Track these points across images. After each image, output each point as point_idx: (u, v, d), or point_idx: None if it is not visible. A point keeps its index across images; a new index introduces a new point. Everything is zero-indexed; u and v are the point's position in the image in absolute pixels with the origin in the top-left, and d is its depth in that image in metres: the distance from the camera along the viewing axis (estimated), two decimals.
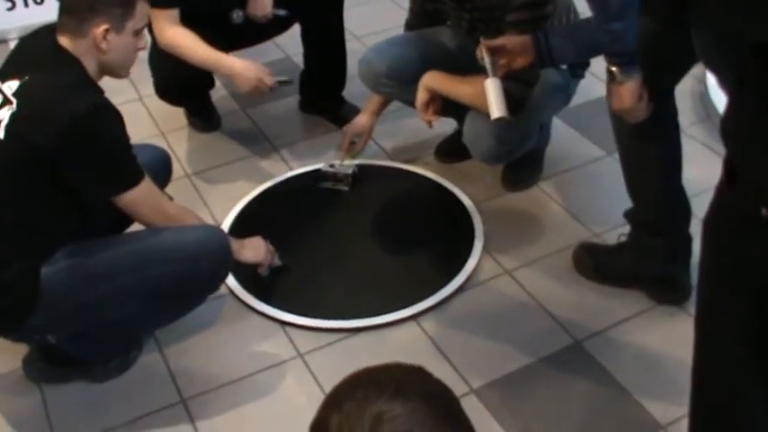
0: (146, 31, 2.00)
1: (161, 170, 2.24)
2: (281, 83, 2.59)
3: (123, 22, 1.87)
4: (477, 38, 2.31)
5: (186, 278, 1.92)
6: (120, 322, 1.94)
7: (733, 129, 1.25)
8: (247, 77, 2.50)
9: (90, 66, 1.87)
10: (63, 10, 1.87)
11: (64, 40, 1.86)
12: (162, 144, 2.93)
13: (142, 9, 1.92)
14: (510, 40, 1.97)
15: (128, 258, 1.89)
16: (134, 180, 1.86)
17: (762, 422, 1.41)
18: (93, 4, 1.83)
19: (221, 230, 2.00)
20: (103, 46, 1.85)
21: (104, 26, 1.84)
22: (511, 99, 2.15)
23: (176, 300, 1.98)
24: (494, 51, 1.95)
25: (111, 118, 1.82)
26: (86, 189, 1.85)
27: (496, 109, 1.90)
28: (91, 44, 1.85)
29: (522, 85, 2.15)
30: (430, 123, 2.43)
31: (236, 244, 2.16)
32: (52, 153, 1.76)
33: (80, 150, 1.78)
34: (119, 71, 1.96)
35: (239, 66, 2.50)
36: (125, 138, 1.86)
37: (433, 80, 2.31)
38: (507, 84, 2.13)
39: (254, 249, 2.21)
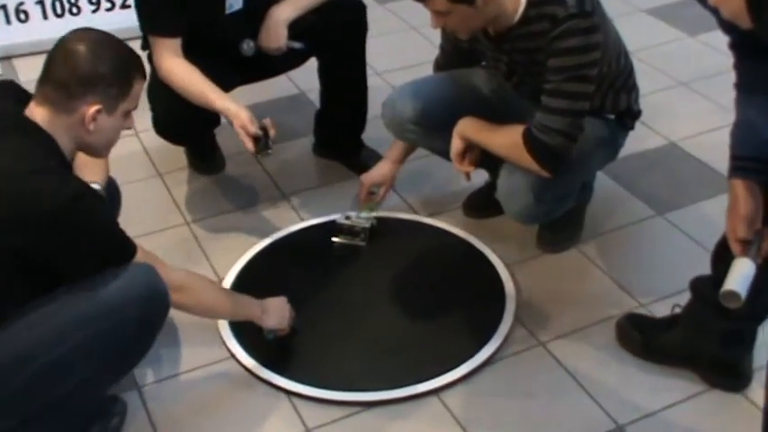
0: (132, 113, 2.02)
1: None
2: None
3: (116, 103, 1.89)
4: (516, 82, 2.38)
5: (117, 333, 1.91)
6: (64, 397, 1.93)
7: None
8: (233, 123, 2.48)
9: (65, 144, 1.88)
10: (48, 80, 1.86)
11: (38, 112, 1.85)
12: (159, 186, 3.00)
13: (137, 90, 1.95)
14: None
15: (46, 334, 1.87)
16: (127, 257, 1.92)
17: None
18: (89, 80, 1.84)
19: (145, 267, 1.95)
20: (91, 127, 1.87)
21: (96, 106, 1.85)
22: (550, 153, 2.21)
23: (116, 357, 1.98)
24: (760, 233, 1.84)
25: (93, 205, 1.85)
26: (78, 274, 1.88)
27: (732, 282, 1.77)
28: (75, 123, 1.86)
29: (564, 138, 2.21)
30: (467, 176, 2.49)
31: (256, 308, 2.22)
32: (30, 252, 1.78)
33: (64, 244, 1.81)
34: (99, 152, 2.00)
35: (232, 108, 2.47)
36: (111, 220, 1.92)
37: (467, 128, 2.38)
38: (548, 135, 2.20)
39: (277, 316, 2.27)
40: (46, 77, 1.87)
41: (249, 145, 2.44)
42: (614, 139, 2.49)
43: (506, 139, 2.29)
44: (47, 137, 1.85)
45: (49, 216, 1.76)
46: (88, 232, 1.84)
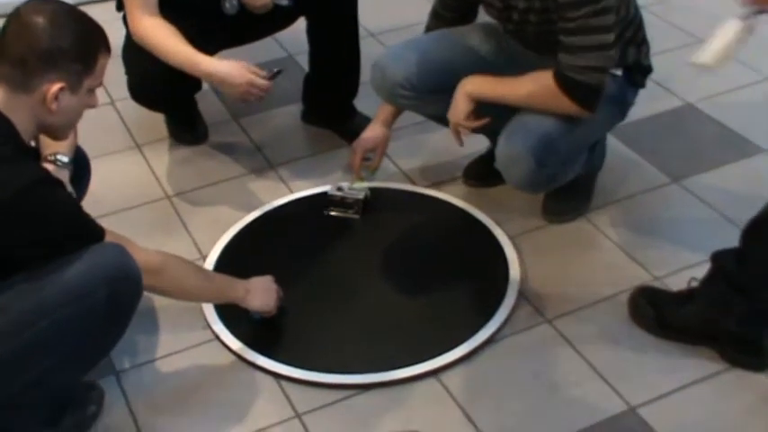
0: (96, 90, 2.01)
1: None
2: (273, 76, 2.58)
3: (80, 80, 1.88)
4: (517, 22, 2.35)
5: (86, 318, 1.92)
6: (32, 386, 1.94)
7: None
8: (233, 83, 2.52)
9: (24, 125, 1.87)
10: (3, 57, 1.84)
11: None
12: (137, 158, 3.01)
13: (102, 65, 1.93)
14: None
15: (3, 323, 1.87)
16: (93, 243, 1.92)
17: None
18: (50, 56, 1.82)
19: (112, 246, 1.95)
20: (53, 106, 1.85)
21: (59, 84, 1.84)
22: (589, 91, 2.22)
23: (87, 343, 1.99)
24: None
25: (50, 192, 1.84)
26: (41, 265, 1.89)
27: (709, 52, 1.82)
28: (36, 103, 1.85)
29: (600, 73, 2.20)
30: (460, 141, 2.47)
31: (240, 289, 2.23)
32: None
33: (22, 236, 1.82)
34: (60, 133, 1.99)
35: (223, 69, 2.53)
36: (73, 206, 1.92)
37: (480, 86, 2.36)
38: (583, 74, 2.20)
39: (263, 297, 2.28)
40: (0, 54, 1.85)
41: (261, 81, 2.52)
42: (622, 96, 2.48)
43: (533, 87, 2.30)
44: (1, 119, 1.83)
45: (2, 208, 1.77)
46: (47, 222, 1.84)
